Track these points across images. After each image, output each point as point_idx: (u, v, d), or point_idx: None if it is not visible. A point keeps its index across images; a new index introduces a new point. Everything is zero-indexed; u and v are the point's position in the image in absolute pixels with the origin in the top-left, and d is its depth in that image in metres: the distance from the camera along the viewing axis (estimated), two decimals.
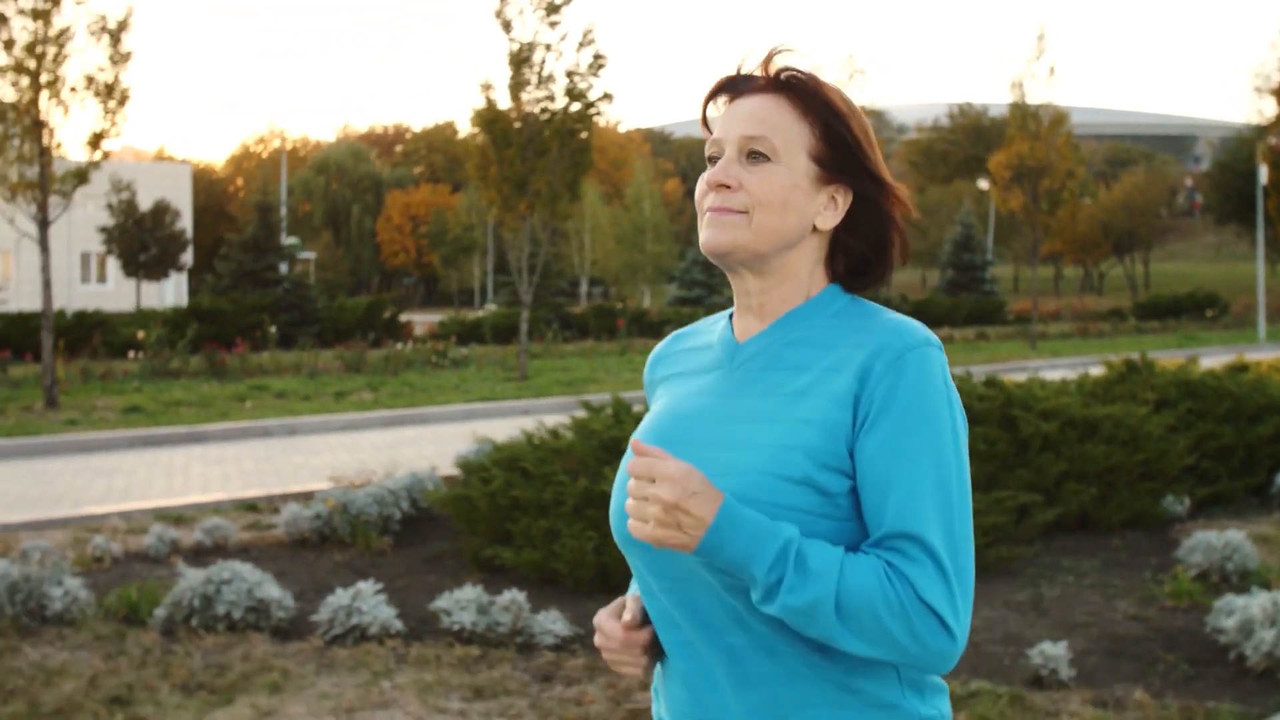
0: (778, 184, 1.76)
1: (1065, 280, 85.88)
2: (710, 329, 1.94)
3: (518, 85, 23.36)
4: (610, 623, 1.82)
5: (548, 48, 23.29)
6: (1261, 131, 59.84)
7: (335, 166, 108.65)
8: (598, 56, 23.36)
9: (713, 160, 1.81)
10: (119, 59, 18.39)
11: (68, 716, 5.22)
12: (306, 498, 9.74)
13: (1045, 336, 38.33)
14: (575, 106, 23.18)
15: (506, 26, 23.32)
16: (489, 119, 23.35)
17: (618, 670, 1.83)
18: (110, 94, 18.22)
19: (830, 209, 1.80)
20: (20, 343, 27.60)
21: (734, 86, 1.83)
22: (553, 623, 6.07)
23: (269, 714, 5.22)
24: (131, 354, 24.29)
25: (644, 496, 1.63)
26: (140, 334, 23.79)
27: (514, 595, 6.13)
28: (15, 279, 61.69)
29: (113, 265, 67.44)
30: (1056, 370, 25.55)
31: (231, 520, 9.34)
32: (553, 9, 23.06)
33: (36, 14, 17.92)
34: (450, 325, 33.47)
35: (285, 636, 6.23)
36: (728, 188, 1.77)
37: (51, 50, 17.92)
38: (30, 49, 17.58)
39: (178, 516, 9.70)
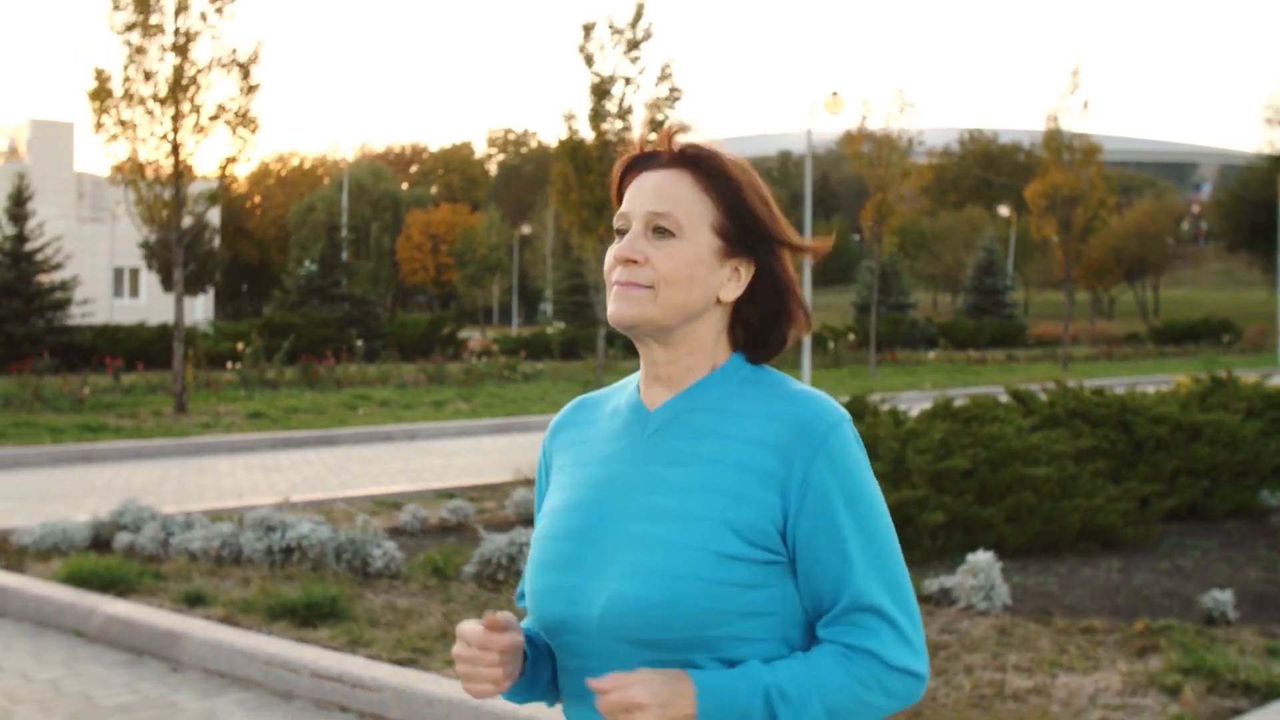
0: (682, 259, 1.80)
1: (1077, 305, 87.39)
2: (616, 396, 1.96)
3: (598, 116, 24.84)
4: (471, 625, 1.79)
5: (627, 81, 24.80)
6: (1276, 162, 61.47)
7: (355, 185, 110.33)
8: (673, 90, 24.85)
9: (620, 233, 1.84)
10: (248, 89, 19.86)
11: (436, 641, 6.63)
12: (523, 484, 11.17)
13: (1072, 359, 39.79)
14: (653, 136, 24.63)
15: (589, 60, 24.82)
16: (571, 147, 24.81)
17: (469, 685, 1.79)
18: (243, 122, 19.69)
19: (734, 281, 1.84)
20: (104, 353, 29.04)
21: (641, 163, 1.88)
22: None
23: None
24: (230, 364, 25.73)
25: None
26: (240, 346, 25.24)
27: None
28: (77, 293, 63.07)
29: (145, 280, 69.03)
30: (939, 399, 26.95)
31: (429, 507, 10.75)
32: (633, 44, 24.57)
33: (177, 49, 19.41)
34: (505, 342, 34.98)
35: None
36: (634, 262, 1.80)
37: (188, 82, 19.40)
38: (176, 81, 19.04)
39: (394, 502, 11.14)
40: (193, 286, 61.43)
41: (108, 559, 8.02)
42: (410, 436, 18.43)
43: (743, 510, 1.75)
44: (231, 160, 19.80)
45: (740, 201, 1.83)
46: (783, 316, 1.88)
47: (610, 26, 24.81)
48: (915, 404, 20.57)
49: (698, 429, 1.82)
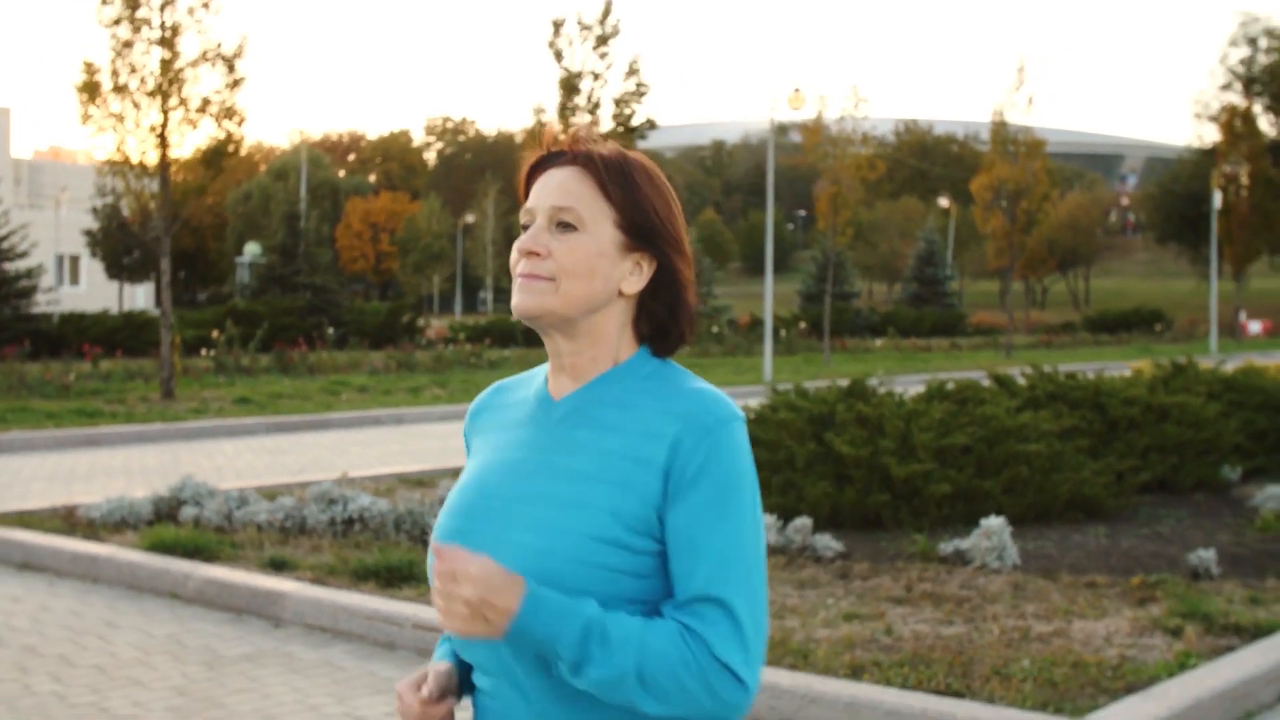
0: (584, 252, 1.85)
1: (1010, 294, 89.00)
2: (528, 384, 2.02)
3: (566, 109, 25.56)
4: (410, 694, 1.86)
5: (595, 76, 25.52)
6: (1207, 156, 63.22)
7: (294, 173, 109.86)
8: (640, 85, 25.61)
9: (526, 228, 1.89)
10: (233, 83, 20.36)
11: None
12: None
13: (1014, 347, 41.01)
14: (619, 130, 25.41)
15: (558, 56, 25.52)
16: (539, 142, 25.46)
17: None
18: (228, 116, 20.18)
19: (635, 274, 1.89)
20: (71, 340, 29.35)
21: (547, 160, 1.92)
22: (830, 541, 8.31)
23: None
24: (204, 351, 26.19)
25: (449, 595, 1.71)
26: (215, 333, 25.71)
27: (804, 520, 8.37)
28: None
29: (86, 267, 68.74)
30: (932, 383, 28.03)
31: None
32: (602, 40, 25.30)
33: (163, 42, 19.87)
34: (469, 330, 35.60)
35: None
36: (537, 255, 1.85)
37: (174, 76, 19.87)
38: (165, 71, 19.49)
39: (417, 480, 11.82)
40: (138, 274, 61.48)
41: (183, 530, 8.66)
42: (397, 421, 19.07)
43: (629, 499, 1.80)
44: (219, 153, 20.27)
45: (641, 200, 1.88)
46: (682, 312, 1.93)
47: (579, 23, 25.55)
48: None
49: (597, 421, 1.87)
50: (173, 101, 19.76)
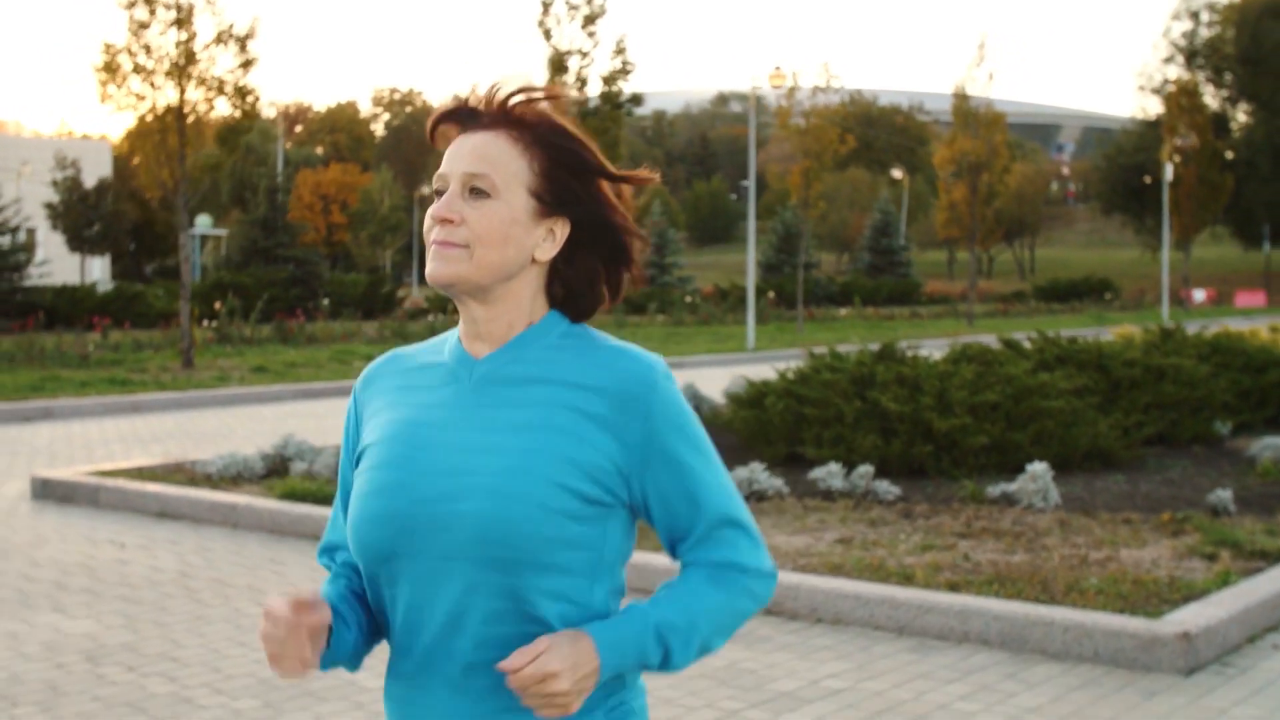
0: (497, 219, 1.85)
1: (959, 264, 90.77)
2: (431, 352, 2.00)
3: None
4: (278, 606, 1.80)
5: (583, 54, 26.37)
6: (1151, 128, 64.86)
7: (243, 143, 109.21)
8: (626, 63, 26.49)
9: (439, 193, 1.88)
10: (245, 63, 21.08)
11: None
12: None
13: (974, 315, 42.35)
14: (606, 106, 26.31)
15: (547, 35, 26.34)
16: None
17: (277, 665, 1.81)
18: (241, 95, 20.91)
19: (549, 241, 1.90)
20: (65, 312, 29.92)
21: (461, 119, 1.92)
22: (889, 486, 9.36)
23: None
24: (205, 323, 26.91)
25: (548, 694, 1.75)
26: (218, 305, 26.44)
27: (866, 468, 9.41)
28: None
29: (44, 240, 68.65)
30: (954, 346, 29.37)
31: None
32: (590, 20, 26.15)
33: (178, 23, 20.56)
34: (435, 301, 36.38)
35: None
36: (451, 222, 1.85)
37: (187, 56, 20.57)
38: (181, 51, 20.20)
39: None
40: (97, 247, 61.59)
41: (306, 482, 9.58)
42: None
43: (581, 448, 1.84)
44: (234, 131, 20.99)
45: (557, 161, 1.88)
46: (603, 276, 1.95)
47: (567, 2, 26.36)
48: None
49: (524, 376, 1.89)
50: (190, 81, 20.42)
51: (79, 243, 59.44)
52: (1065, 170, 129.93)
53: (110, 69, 20.28)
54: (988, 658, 6.17)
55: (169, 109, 20.43)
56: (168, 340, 24.62)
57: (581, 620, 1.86)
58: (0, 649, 6.32)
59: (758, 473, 9.48)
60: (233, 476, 10.16)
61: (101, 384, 18.45)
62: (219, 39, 20.67)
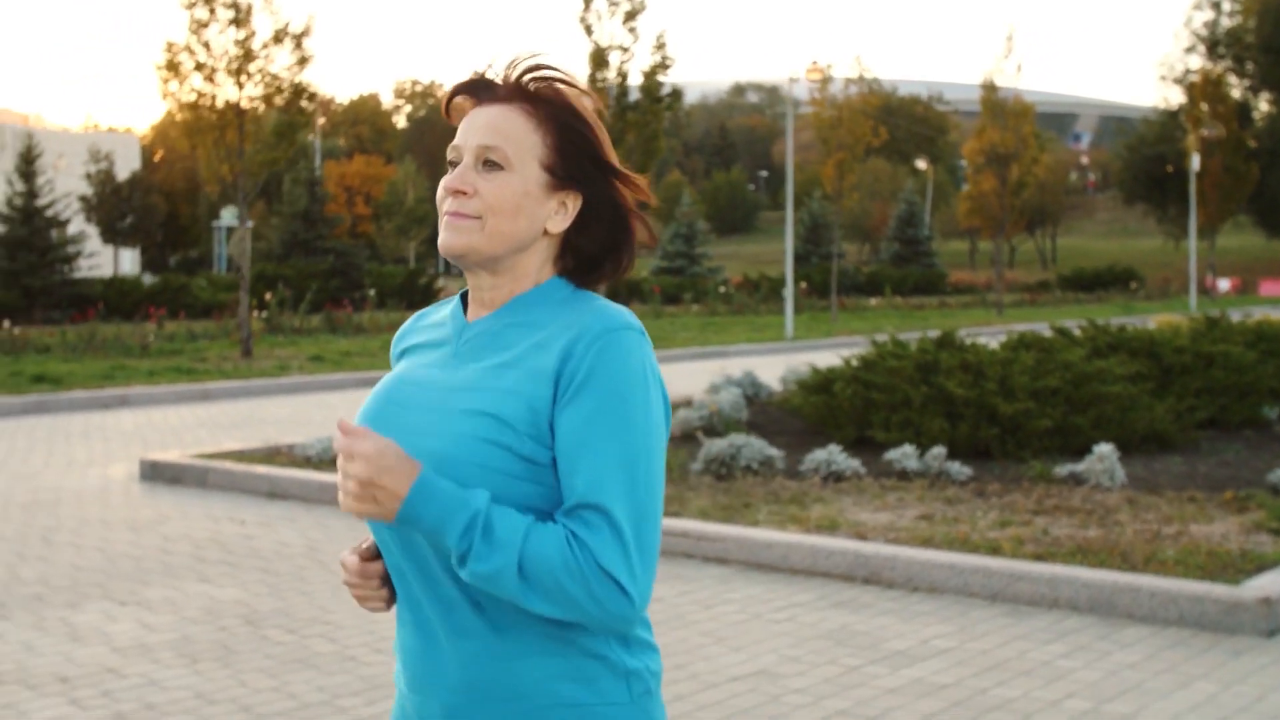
0: (510, 191, 1.87)
1: (980, 254, 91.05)
2: (444, 310, 2.06)
3: (595, 82, 26.87)
4: (349, 557, 1.94)
5: (623, 49, 26.84)
6: (1173, 118, 65.08)
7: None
8: (666, 58, 26.96)
9: (453, 165, 1.92)
10: (301, 61, 21.61)
11: (724, 510, 8.80)
12: (683, 406, 13.33)
13: (997, 305, 42.73)
14: (646, 101, 26.79)
15: (588, 30, 26.82)
16: None
17: (363, 605, 1.97)
18: (298, 93, 21.44)
19: (560, 213, 1.92)
20: (116, 304, 30.52)
21: (476, 92, 1.95)
22: (961, 467, 9.85)
23: (836, 510, 8.89)
24: (255, 313, 27.48)
25: (344, 472, 1.76)
26: (268, 295, 27.02)
27: (939, 449, 9.90)
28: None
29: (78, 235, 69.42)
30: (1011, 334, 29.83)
31: None
32: (631, 15, 26.62)
33: (236, 22, 21.10)
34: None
35: (788, 479, 9.92)
36: (464, 194, 1.88)
37: (245, 54, 21.10)
38: (242, 51, 20.75)
39: None
40: (129, 239, 62.28)
41: None
42: None
43: (520, 406, 1.82)
44: (291, 127, 21.52)
45: (570, 137, 1.90)
46: (618, 246, 1.96)
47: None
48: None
49: (503, 340, 1.90)
50: (252, 79, 20.95)
51: (112, 235, 60.11)
52: (1084, 160, 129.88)
53: (172, 67, 20.81)
54: (1079, 621, 6.65)
55: (228, 105, 20.97)
56: (221, 330, 25.22)
57: None
58: (164, 614, 6.85)
59: (835, 454, 9.97)
60: (331, 459, 10.67)
61: (168, 373, 19.00)
62: (276, 37, 21.20)
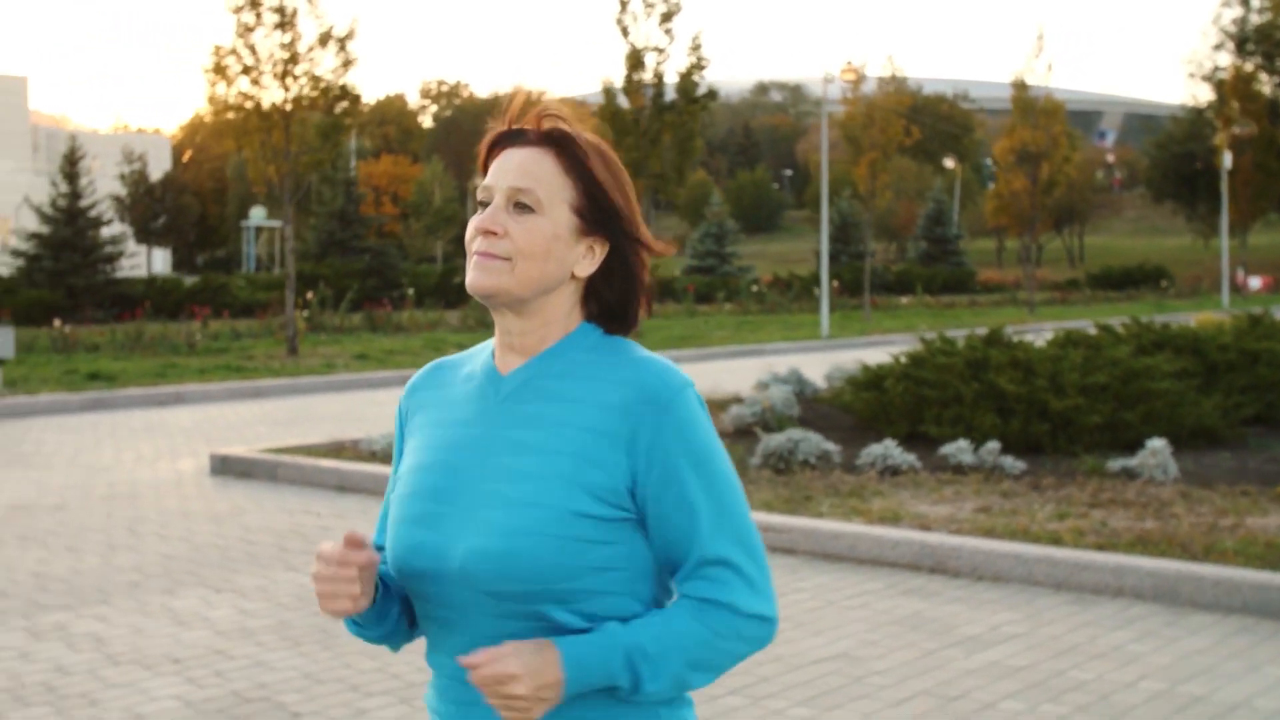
0: (540, 234, 1.87)
1: (1007, 252, 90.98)
2: (471, 361, 2.04)
3: (632, 83, 27.14)
4: (330, 545, 1.83)
5: (659, 51, 27.10)
6: (1201, 116, 64.98)
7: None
8: (701, 59, 27.19)
9: (483, 205, 1.92)
10: (345, 64, 21.91)
11: (787, 503, 9.04)
12: (732, 403, 13.57)
13: (1029, 304, 42.83)
14: (682, 101, 27.05)
15: (624, 32, 27.08)
16: (611, 113, 27.11)
17: (327, 603, 1.84)
18: (342, 95, 21.74)
19: (588, 258, 1.92)
20: (158, 303, 30.91)
21: (508, 139, 1.94)
22: (1014, 461, 10.07)
23: (896, 502, 9.11)
24: (299, 312, 27.83)
25: (505, 697, 1.76)
26: (310, 295, 27.37)
27: (993, 444, 10.12)
28: None
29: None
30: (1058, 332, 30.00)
31: None
32: (667, 17, 26.87)
33: (282, 25, 21.42)
34: None
35: (845, 472, 10.15)
36: (494, 234, 1.87)
37: (292, 57, 21.42)
38: (288, 54, 21.06)
39: None
40: (162, 239, 62.81)
41: None
42: None
43: (592, 471, 1.83)
44: (335, 128, 21.83)
45: (598, 185, 1.91)
46: (633, 295, 1.97)
47: (643, 1, 27.09)
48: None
49: (548, 393, 1.90)
50: (298, 81, 21.26)
51: (145, 235, 60.68)
52: (1110, 158, 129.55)
53: (219, 70, 21.14)
54: (1144, 609, 6.87)
55: (274, 107, 21.29)
56: (265, 329, 25.59)
57: None
58: (259, 600, 7.12)
59: (891, 449, 10.19)
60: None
61: (218, 371, 19.33)
62: (321, 41, 21.51)
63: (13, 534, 8.95)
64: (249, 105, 21.24)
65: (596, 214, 1.92)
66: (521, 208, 1.88)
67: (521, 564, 1.80)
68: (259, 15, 21.19)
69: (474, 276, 1.87)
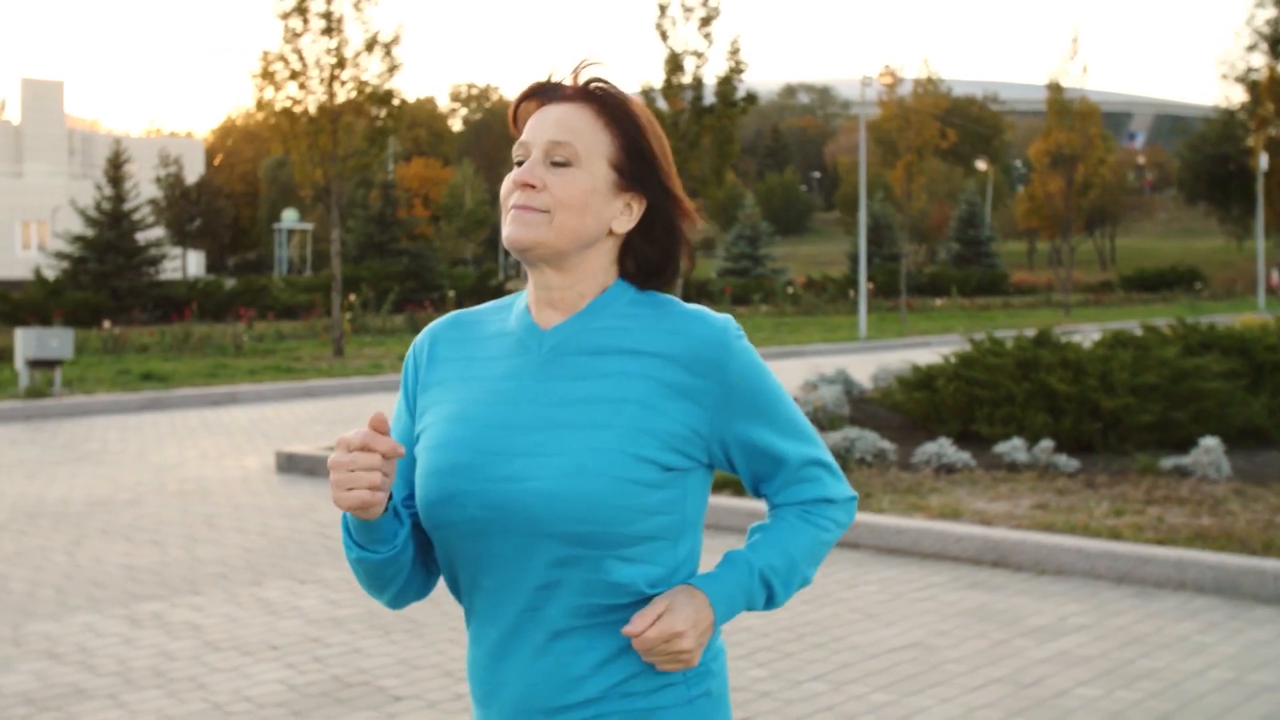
0: (578, 187, 1.87)
1: (1038, 254, 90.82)
2: (498, 317, 2.02)
3: (671, 87, 27.32)
4: (353, 431, 1.77)
5: (698, 55, 27.27)
6: (1234, 116, 64.76)
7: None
8: (740, 63, 27.34)
9: (520, 162, 1.91)
10: (390, 69, 22.20)
11: (868, 497, 9.24)
12: None
13: (1064, 305, 42.85)
14: (721, 105, 27.20)
15: (663, 36, 27.27)
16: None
17: (342, 493, 1.75)
18: (388, 100, 22.03)
19: (626, 214, 1.93)
20: (200, 305, 31.28)
21: (544, 93, 1.94)
22: (1067, 459, 10.23)
23: (954, 499, 9.29)
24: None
25: (673, 653, 1.84)
26: (352, 297, 27.70)
27: (1047, 442, 10.29)
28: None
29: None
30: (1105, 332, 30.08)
31: None
32: (706, 21, 27.06)
33: (329, 31, 21.72)
34: None
35: (901, 470, 10.34)
36: (533, 187, 1.87)
37: (339, 62, 21.72)
38: (335, 59, 21.37)
39: None
40: (197, 242, 63.36)
41: None
42: None
43: (657, 418, 1.86)
44: (381, 132, 22.12)
45: (637, 141, 1.92)
46: (671, 252, 1.98)
47: (682, 6, 27.26)
48: (959, 345, 23.33)
49: (596, 346, 1.90)
50: (345, 86, 21.56)
51: (181, 237, 61.22)
52: (1141, 160, 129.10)
53: (267, 74, 21.46)
54: (1206, 602, 7.04)
55: (321, 110, 21.60)
56: (309, 331, 25.94)
57: (667, 581, 1.90)
58: (345, 591, 7.36)
59: (945, 447, 10.38)
60: None
61: (268, 371, 19.63)
62: (368, 46, 21.81)
63: (95, 528, 9.22)
64: (297, 109, 21.55)
65: (635, 169, 1.92)
66: (559, 161, 1.89)
67: (587, 504, 1.81)
68: (306, 21, 21.51)
69: (512, 230, 1.88)
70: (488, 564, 1.88)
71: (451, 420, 1.91)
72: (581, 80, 1.93)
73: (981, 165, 72.64)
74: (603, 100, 1.92)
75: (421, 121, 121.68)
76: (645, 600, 1.87)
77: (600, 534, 1.82)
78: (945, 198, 75.63)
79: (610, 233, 1.93)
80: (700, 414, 1.89)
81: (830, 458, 2.05)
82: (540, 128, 1.90)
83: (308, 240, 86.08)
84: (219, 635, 6.51)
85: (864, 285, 29.68)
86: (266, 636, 6.48)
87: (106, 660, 6.10)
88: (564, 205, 1.86)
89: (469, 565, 1.90)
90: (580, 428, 1.85)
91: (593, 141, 1.89)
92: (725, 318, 1.94)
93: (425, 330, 2.05)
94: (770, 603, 1.96)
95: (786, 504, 2.01)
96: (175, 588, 7.49)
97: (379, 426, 1.75)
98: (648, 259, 1.96)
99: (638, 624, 1.81)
